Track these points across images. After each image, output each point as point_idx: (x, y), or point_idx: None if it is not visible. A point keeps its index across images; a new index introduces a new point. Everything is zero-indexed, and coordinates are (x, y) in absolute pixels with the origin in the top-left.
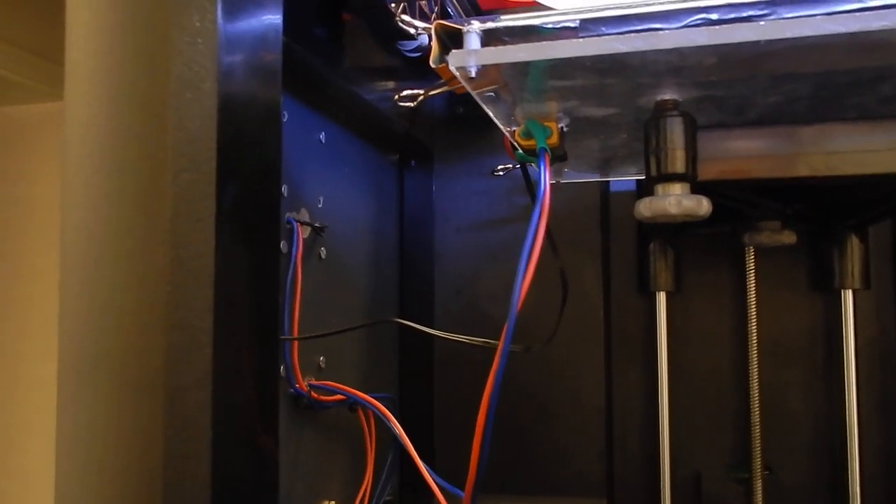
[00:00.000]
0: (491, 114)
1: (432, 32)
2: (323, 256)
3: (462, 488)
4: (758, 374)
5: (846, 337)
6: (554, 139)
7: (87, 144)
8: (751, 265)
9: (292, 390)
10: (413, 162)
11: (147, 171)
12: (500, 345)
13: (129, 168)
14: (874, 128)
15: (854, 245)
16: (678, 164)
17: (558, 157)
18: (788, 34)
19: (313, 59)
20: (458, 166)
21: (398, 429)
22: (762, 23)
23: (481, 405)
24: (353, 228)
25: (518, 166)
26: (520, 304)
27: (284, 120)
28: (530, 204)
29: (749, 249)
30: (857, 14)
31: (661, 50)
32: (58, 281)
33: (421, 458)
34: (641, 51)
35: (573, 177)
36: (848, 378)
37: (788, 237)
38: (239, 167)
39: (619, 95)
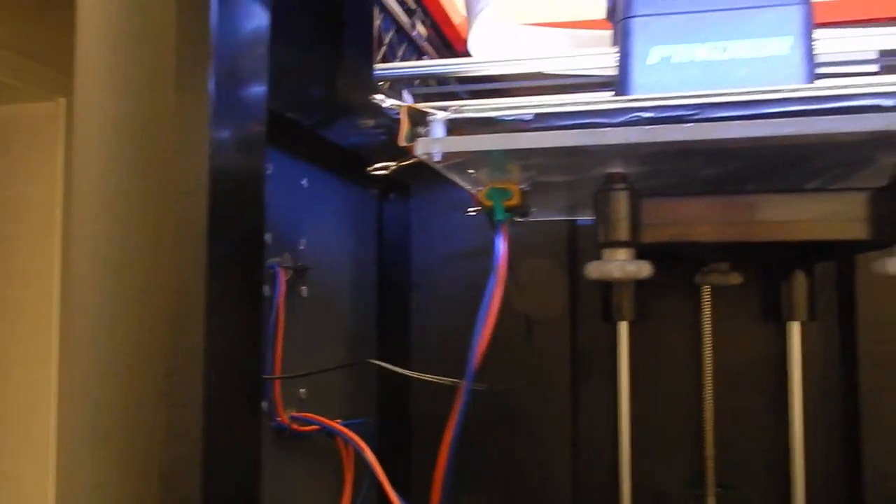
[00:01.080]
0: (457, 180)
1: (403, 114)
2: (305, 295)
3: None
4: (713, 399)
5: (793, 365)
6: (515, 200)
7: (93, 241)
8: (706, 298)
9: (274, 423)
10: (391, 195)
11: (145, 276)
12: (458, 402)
13: (129, 267)
14: (801, 199)
15: (800, 281)
16: (622, 232)
17: (522, 214)
18: (713, 136)
19: (302, 119)
20: (435, 199)
21: (368, 454)
22: (690, 125)
23: (442, 448)
24: (333, 264)
25: None
26: (476, 363)
27: (269, 172)
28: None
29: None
30: (772, 121)
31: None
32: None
33: (399, 480)
34: (586, 144)
35: (542, 216)
36: (794, 403)
37: (735, 279)
38: (228, 269)
39: (574, 169)
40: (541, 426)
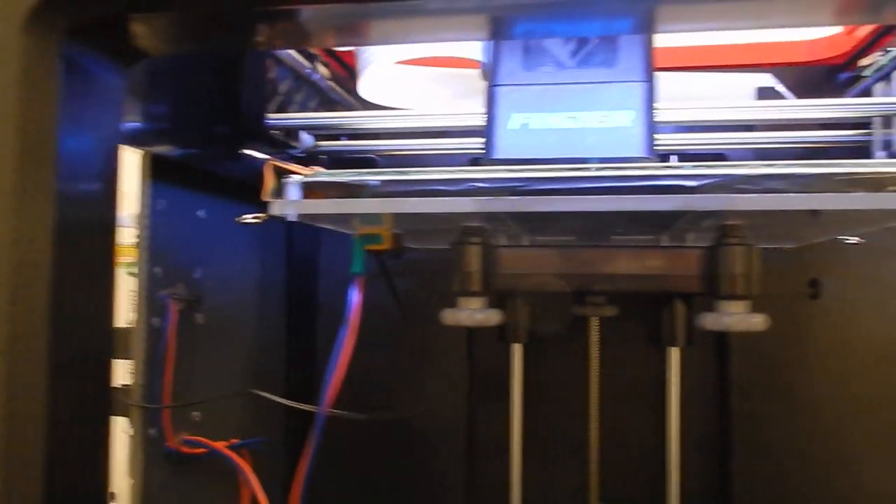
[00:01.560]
0: (330, 227)
1: (266, 171)
2: (200, 321)
3: None
4: (598, 418)
5: (671, 387)
6: (387, 244)
7: None
8: (593, 324)
9: (164, 449)
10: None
11: None
12: (311, 440)
13: None
14: (642, 254)
15: (679, 309)
16: (474, 284)
17: (395, 256)
18: (538, 209)
19: (195, 164)
20: None
21: (250, 476)
22: (514, 198)
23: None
24: (235, 288)
25: None
26: (327, 407)
27: (160, 208)
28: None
29: None
30: (588, 197)
31: None
32: None
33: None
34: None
35: (431, 244)
36: (672, 422)
37: (611, 311)
38: (72, 329)
39: (436, 221)
40: (437, 443)
